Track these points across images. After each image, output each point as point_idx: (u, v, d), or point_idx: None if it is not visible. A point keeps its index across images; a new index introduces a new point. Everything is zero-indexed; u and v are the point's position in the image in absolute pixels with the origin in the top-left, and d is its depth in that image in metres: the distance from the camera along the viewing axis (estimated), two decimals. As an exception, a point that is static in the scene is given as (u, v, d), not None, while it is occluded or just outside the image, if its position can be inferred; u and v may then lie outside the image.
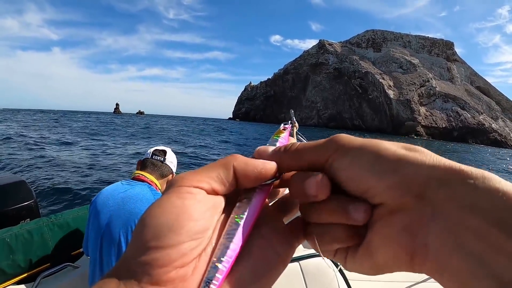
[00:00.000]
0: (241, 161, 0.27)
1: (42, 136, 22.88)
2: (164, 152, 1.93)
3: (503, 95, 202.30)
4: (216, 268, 0.24)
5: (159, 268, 0.22)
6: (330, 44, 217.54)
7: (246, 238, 0.26)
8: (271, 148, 0.30)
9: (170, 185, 0.26)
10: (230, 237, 0.25)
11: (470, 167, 0.23)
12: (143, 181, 1.74)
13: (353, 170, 0.26)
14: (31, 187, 2.67)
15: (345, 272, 1.28)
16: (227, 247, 0.25)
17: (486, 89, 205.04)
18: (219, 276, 0.23)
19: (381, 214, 0.26)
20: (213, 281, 0.23)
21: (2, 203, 2.35)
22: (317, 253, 1.10)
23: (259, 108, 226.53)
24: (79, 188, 8.16)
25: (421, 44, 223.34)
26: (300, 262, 1.13)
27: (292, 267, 1.12)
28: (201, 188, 0.26)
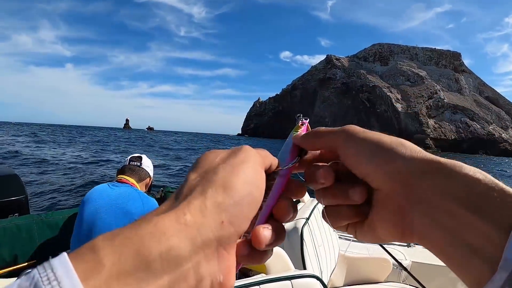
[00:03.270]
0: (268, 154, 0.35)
1: (51, 147, 24.15)
2: (140, 158, 2.09)
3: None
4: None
5: (237, 236, 0.27)
6: (337, 59, 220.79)
7: (266, 219, 0.33)
8: (303, 133, 0.39)
9: (249, 154, 0.31)
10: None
11: (447, 159, 0.29)
12: (126, 183, 1.87)
13: (357, 157, 0.33)
14: (24, 183, 2.70)
15: None
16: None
17: (495, 99, 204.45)
18: None
19: (379, 197, 0.33)
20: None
21: None
22: (309, 274, 1.26)
23: (267, 123, 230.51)
24: (71, 190, 8.37)
25: (428, 56, 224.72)
26: (292, 281, 1.20)
27: (284, 285, 1.19)
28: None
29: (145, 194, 1.88)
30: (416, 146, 0.32)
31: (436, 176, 0.28)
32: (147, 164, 2.11)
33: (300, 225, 2.26)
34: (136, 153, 2.21)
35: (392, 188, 0.31)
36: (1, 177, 2.53)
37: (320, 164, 0.38)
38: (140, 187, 1.96)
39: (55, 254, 1.51)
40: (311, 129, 0.42)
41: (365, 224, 0.35)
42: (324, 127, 0.38)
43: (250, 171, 0.29)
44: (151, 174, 2.12)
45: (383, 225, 0.33)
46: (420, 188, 0.29)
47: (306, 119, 0.42)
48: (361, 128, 0.35)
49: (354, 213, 0.35)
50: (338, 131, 0.36)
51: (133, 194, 1.76)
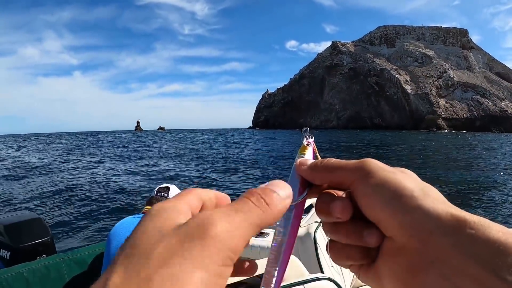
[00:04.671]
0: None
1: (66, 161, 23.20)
2: (167, 188, 2.08)
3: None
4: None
5: None
6: (343, 45, 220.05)
7: (288, 255, 0.28)
8: (309, 161, 0.34)
9: (205, 253, 0.21)
10: (274, 256, 0.28)
11: (473, 216, 0.25)
12: None
13: (373, 199, 0.29)
14: (47, 223, 2.76)
15: None
16: (274, 263, 0.27)
17: (506, 74, 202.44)
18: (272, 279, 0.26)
19: (390, 246, 0.29)
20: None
21: (19, 239, 2.42)
22: (322, 277, 1.24)
23: (278, 115, 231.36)
24: (95, 221, 8.25)
25: (435, 35, 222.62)
26: (305, 285, 1.16)
27: None
28: None
29: None
30: (440, 195, 0.29)
31: (459, 235, 0.25)
32: (175, 194, 1.90)
33: (312, 230, 2.21)
34: (163, 184, 2.20)
35: (407, 242, 0.27)
36: (25, 221, 2.61)
37: (334, 193, 0.33)
38: None
39: None
40: (310, 139, 0.39)
41: (370, 269, 0.31)
42: (335, 159, 0.33)
43: None
44: None
45: (390, 279, 0.29)
46: (440, 247, 0.25)
47: (311, 137, 0.39)
48: (380, 164, 0.31)
49: (361, 255, 0.31)
50: (354, 168, 0.31)
51: None
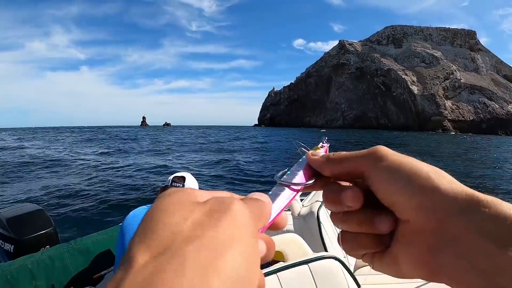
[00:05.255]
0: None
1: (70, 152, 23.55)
2: (183, 178, 1.97)
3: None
4: None
5: None
6: (350, 44, 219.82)
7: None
8: (321, 153, 0.35)
9: (239, 224, 0.21)
10: None
11: (486, 195, 0.26)
12: None
13: (388, 183, 0.29)
14: (50, 214, 2.78)
15: (356, 275, 1.33)
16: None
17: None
18: None
19: (406, 230, 0.29)
20: None
21: (22, 232, 2.43)
22: (326, 255, 1.23)
23: (284, 113, 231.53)
24: (98, 211, 8.25)
25: (442, 36, 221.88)
26: (309, 264, 1.17)
27: (301, 270, 1.16)
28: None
29: None
30: (453, 178, 0.29)
31: (473, 213, 0.26)
32: (191, 185, 1.96)
33: (315, 209, 2.21)
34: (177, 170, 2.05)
35: (425, 224, 0.28)
36: (28, 213, 2.63)
37: (344, 183, 0.34)
38: None
39: (90, 277, 2.19)
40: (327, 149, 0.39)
41: (385, 255, 0.31)
42: (345, 152, 0.34)
43: (242, 263, 0.19)
44: None
45: (408, 262, 0.29)
46: (456, 226, 0.26)
47: (327, 143, 0.40)
48: (392, 151, 0.32)
49: (374, 243, 0.31)
50: (367, 154, 0.32)
51: None
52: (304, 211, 2.32)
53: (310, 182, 0.33)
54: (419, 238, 0.28)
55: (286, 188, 0.32)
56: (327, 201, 0.33)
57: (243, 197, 0.26)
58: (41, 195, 10.18)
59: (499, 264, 0.23)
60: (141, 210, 1.77)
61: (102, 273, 2.18)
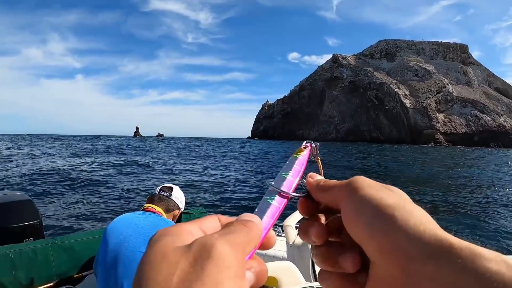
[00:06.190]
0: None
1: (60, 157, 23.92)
2: (171, 189, 2.05)
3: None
4: None
5: None
6: (343, 58, 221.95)
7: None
8: (318, 177, 0.35)
9: (224, 272, 0.21)
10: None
11: (461, 241, 0.22)
12: (153, 212, 1.87)
13: (354, 218, 0.27)
14: (38, 207, 2.72)
15: None
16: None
17: (505, 90, 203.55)
18: None
19: (374, 273, 0.26)
20: None
21: (7, 219, 2.39)
22: (317, 286, 1.22)
23: (277, 126, 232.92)
24: (88, 213, 8.24)
25: (435, 50, 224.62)
26: None
27: None
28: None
29: (173, 223, 1.89)
30: (428, 217, 0.26)
31: (445, 265, 0.22)
32: (178, 195, 2.06)
33: None
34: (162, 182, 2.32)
35: (388, 269, 0.25)
36: (15, 202, 2.59)
37: (315, 219, 0.33)
38: (167, 218, 1.94)
39: (71, 276, 2.10)
40: (316, 150, 0.39)
41: None
42: (334, 181, 0.32)
43: None
44: (181, 206, 2.09)
45: None
46: (422, 276, 0.22)
47: (309, 142, 0.41)
48: (369, 181, 0.29)
49: (346, 283, 0.29)
50: (343, 185, 0.30)
51: (161, 223, 1.76)
52: (298, 240, 2.30)
53: (302, 195, 0.34)
54: (384, 285, 0.25)
55: (277, 196, 0.32)
56: (300, 232, 0.33)
57: (231, 219, 0.27)
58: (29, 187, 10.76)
59: None
60: (128, 216, 1.80)
61: (84, 273, 2.16)
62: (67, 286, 2.05)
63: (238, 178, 16.56)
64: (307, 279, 1.50)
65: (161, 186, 2.10)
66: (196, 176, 16.65)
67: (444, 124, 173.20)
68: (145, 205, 1.97)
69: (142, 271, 0.22)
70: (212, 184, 14.38)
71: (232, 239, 0.23)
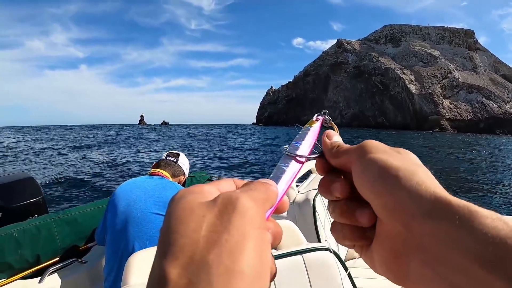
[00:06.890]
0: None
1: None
2: (177, 155, 2.09)
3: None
4: None
5: None
6: (348, 43, 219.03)
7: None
8: (334, 137, 0.36)
9: (248, 219, 0.23)
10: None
11: (459, 200, 0.23)
12: (160, 176, 1.88)
13: (363, 179, 0.29)
14: (40, 184, 2.72)
15: (348, 266, 1.30)
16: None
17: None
18: None
19: (381, 229, 0.29)
20: None
21: (10, 200, 2.40)
22: (321, 247, 1.22)
23: (281, 111, 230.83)
24: (89, 185, 8.42)
25: (440, 35, 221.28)
26: (303, 255, 1.17)
27: (295, 260, 1.16)
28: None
29: (181, 186, 1.93)
30: (431, 177, 0.27)
31: (442, 221, 0.23)
32: (183, 162, 2.08)
33: (311, 196, 2.18)
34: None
35: (392, 226, 0.27)
36: (17, 181, 2.59)
37: (336, 176, 0.34)
38: None
39: (76, 249, 2.12)
40: (329, 123, 0.40)
41: (368, 251, 0.31)
42: (347, 146, 0.34)
43: (256, 258, 0.21)
44: (186, 172, 2.10)
45: (378, 262, 0.29)
46: (422, 232, 0.24)
47: (321, 115, 0.41)
48: (378, 144, 0.31)
49: (357, 236, 0.32)
50: (354, 148, 0.32)
51: (170, 185, 1.77)
52: (299, 198, 2.31)
53: (316, 155, 0.35)
54: (388, 240, 0.27)
55: (292, 161, 0.33)
56: (320, 188, 0.34)
57: (247, 182, 0.28)
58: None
59: (473, 280, 0.21)
60: (134, 180, 1.79)
61: (89, 245, 2.18)
62: (73, 259, 2.05)
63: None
64: (308, 238, 1.52)
65: (167, 151, 2.12)
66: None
67: (449, 110, 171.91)
68: (152, 169, 1.97)
69: (169, 226, 0.22)
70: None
71: (253, 195, 0.25)
